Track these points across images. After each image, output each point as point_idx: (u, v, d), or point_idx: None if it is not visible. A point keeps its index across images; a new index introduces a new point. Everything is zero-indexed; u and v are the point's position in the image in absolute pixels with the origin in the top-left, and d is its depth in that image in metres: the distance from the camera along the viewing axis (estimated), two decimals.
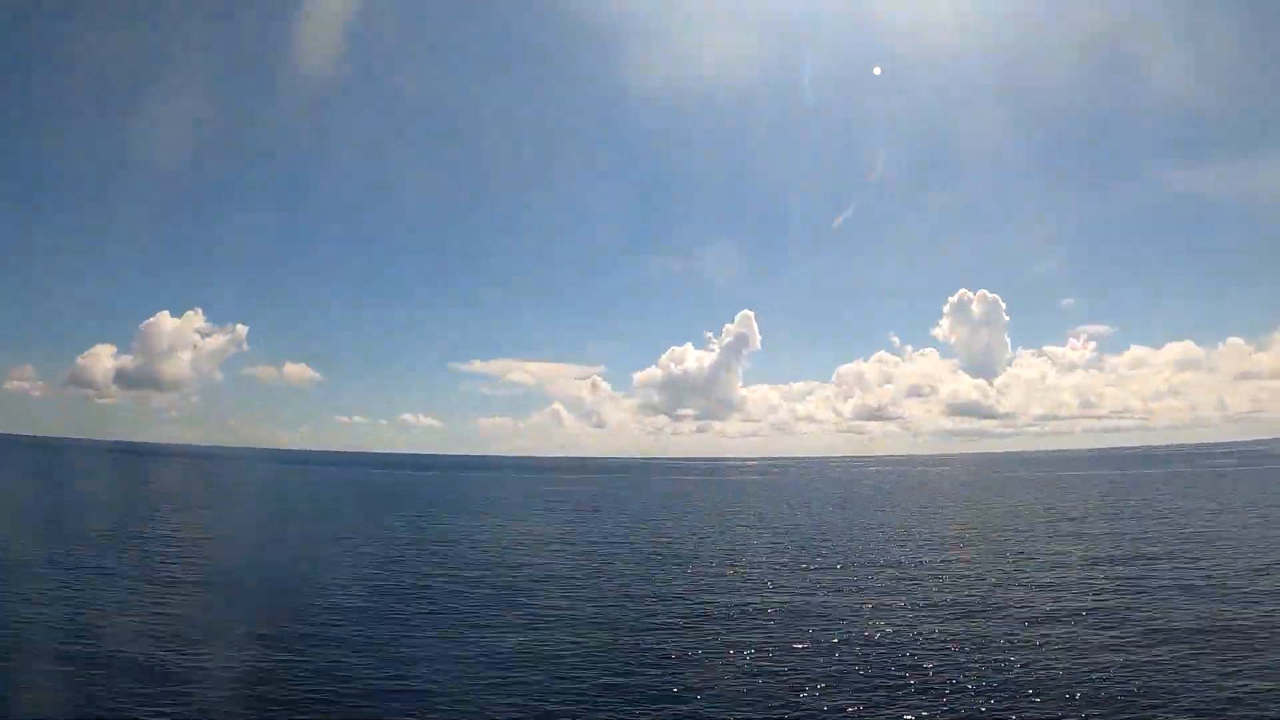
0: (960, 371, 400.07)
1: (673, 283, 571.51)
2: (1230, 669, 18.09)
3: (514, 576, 31.63)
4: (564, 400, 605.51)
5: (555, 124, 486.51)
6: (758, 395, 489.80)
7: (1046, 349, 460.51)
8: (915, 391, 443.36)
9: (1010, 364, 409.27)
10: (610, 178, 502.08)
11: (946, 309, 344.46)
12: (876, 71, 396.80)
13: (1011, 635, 21.48)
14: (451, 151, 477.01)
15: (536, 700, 17.14)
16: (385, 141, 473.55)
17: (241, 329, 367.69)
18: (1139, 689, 16.90)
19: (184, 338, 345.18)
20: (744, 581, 30.49)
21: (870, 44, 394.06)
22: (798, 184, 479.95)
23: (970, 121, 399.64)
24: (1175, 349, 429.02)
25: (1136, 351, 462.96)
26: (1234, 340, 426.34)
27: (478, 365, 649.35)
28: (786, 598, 27.10)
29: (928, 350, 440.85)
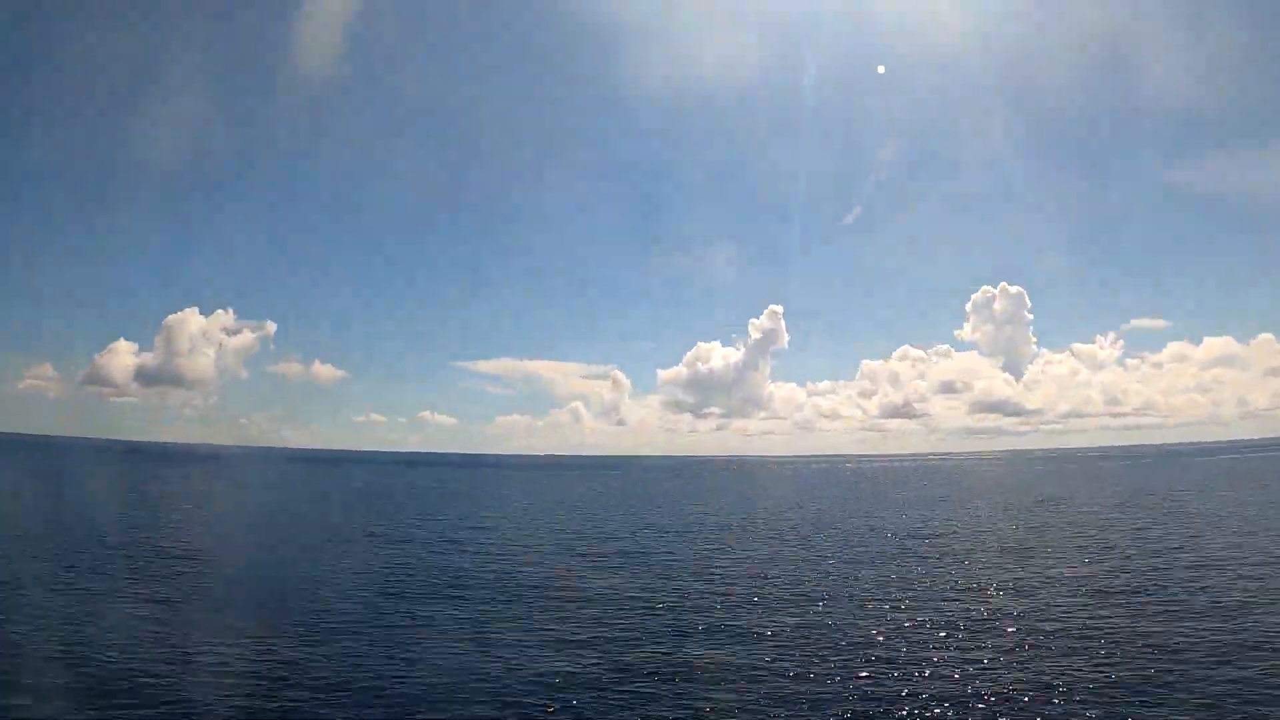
0: (992, 368, 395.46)
1: (678, 283, 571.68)
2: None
3: (528, 576, 31.37)
4: (582, 398, 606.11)
5: (555, 124, 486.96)
6: (784, 392, 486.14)
7: (1074, 346, 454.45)
8: (948, 388, 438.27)
9: (1032, 360, 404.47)
10: (611, 177, 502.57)
11: (970, 306, 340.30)
12: (881, 70, 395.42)
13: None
14: (452, 152, 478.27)
15: (540, 700, 16.77)
16: (386, 141, 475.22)
17: (271, 325, 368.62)
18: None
19: (209, 334, 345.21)
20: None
21: (871, 44, 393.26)
22: (800, 184, 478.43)
23: (971, 121, 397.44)
24: (1214, 344, 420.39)
25: (1174, 347, 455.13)
26: (1265, 336, 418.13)
27: (492, 364, 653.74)
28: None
29: (943, 346, 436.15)
